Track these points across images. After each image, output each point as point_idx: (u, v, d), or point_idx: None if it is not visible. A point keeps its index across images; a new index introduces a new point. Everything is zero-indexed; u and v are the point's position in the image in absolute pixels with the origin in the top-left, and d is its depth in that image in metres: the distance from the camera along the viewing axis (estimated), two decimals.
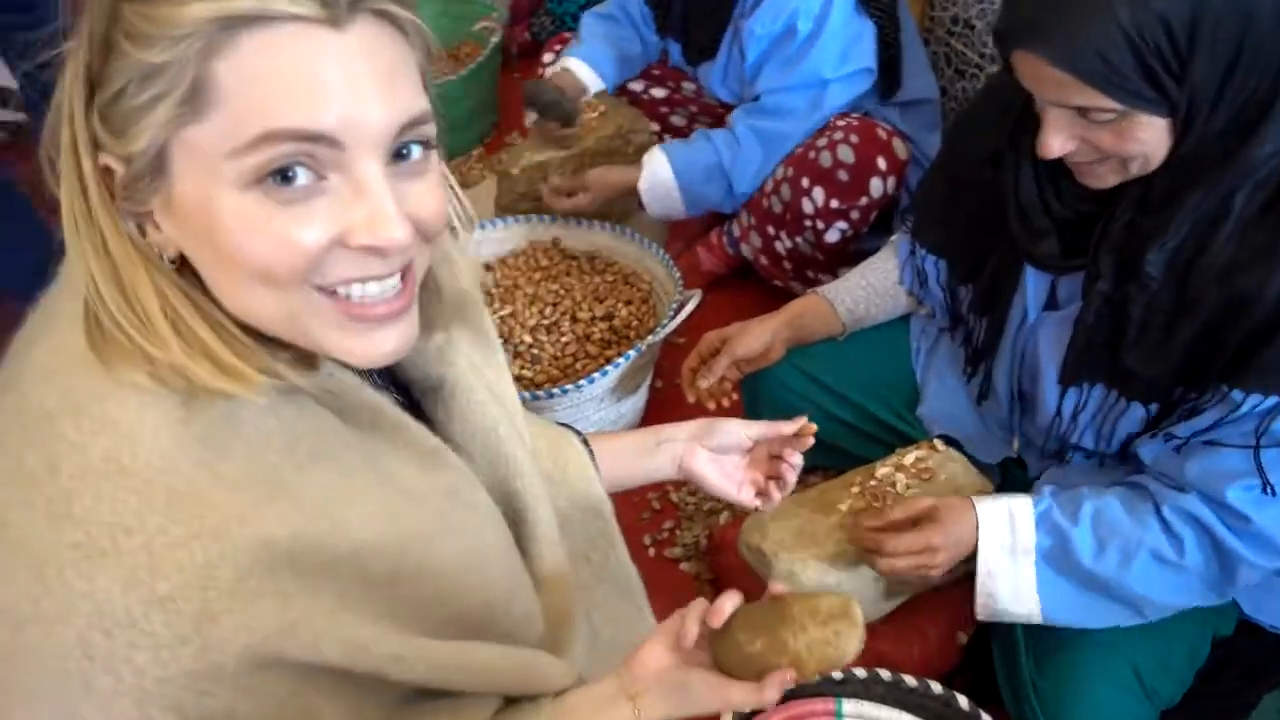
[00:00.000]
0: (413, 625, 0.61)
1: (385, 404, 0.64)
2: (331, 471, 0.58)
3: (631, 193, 1.72)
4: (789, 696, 1.05)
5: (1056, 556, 1.01)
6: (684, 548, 1.52)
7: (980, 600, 1.05)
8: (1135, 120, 0.85)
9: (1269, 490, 0.92)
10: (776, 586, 0.76)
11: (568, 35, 2.02)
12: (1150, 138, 0.86)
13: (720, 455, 0.99)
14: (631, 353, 1.47)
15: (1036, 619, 1.03)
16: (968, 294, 1.19)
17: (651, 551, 1.53)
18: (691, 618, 0.73)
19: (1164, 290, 0.93)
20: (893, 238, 1.35)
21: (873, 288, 1.32)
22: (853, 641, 0.71)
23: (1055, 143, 0.89)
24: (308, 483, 0.56)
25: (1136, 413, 1.02)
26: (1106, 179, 0.93)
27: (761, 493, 1.00)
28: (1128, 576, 0.98)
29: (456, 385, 0.75)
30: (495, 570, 0.70)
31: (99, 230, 0.54)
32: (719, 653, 0.74)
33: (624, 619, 0.99)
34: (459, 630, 0.65)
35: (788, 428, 0.98)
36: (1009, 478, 1.24)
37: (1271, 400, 0.90)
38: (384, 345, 0.58)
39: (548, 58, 1.99)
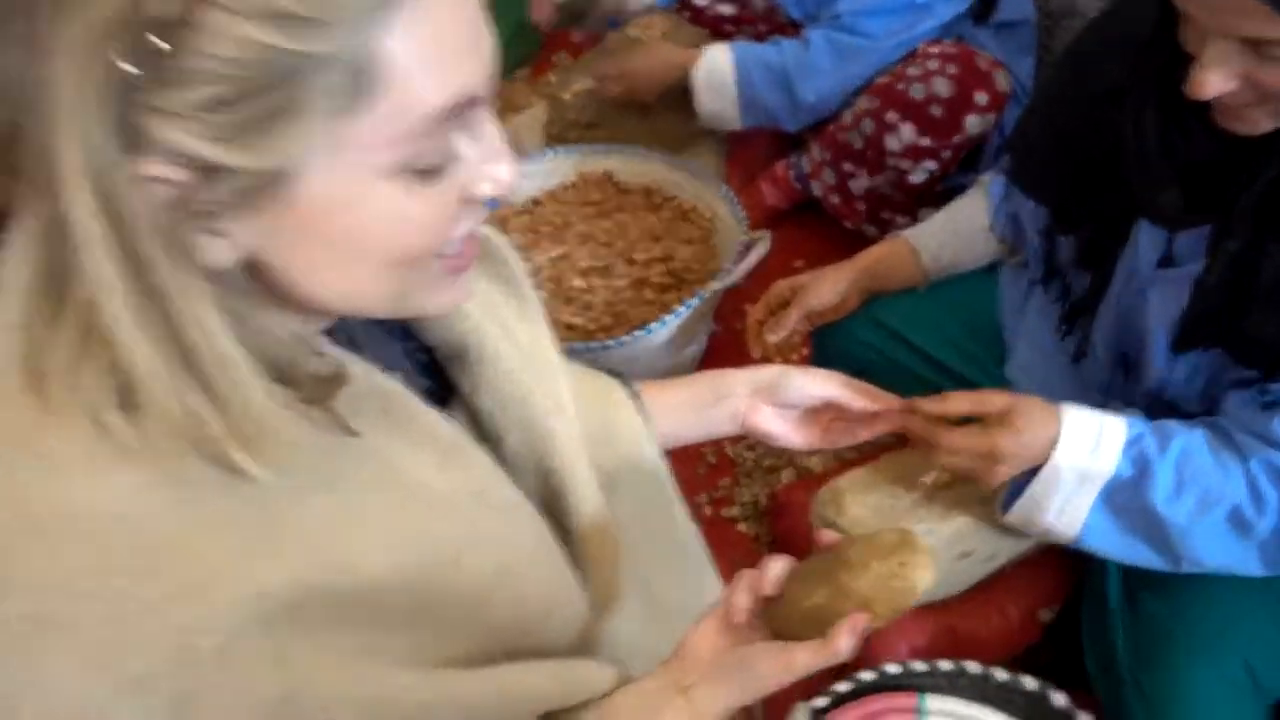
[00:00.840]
0: (437, 659, 0.53)
1: (398, 391, 0.55)
2: (334, 496, 0.49)
3: (682, 79, 1.60)
4: (867, 691, 0.96)
5: (1125, 489, 0.90)
6: (742, 507, 1.44)
7: (1021, 502, 0.93)
8: None
9: None
10: (826, 535, 0.69)
11: None
12: None
13: (786, 409, 0.89)
14: (694, 300, 1.37)
15: (1065, 540, 0.94)
16: (1069, 245, 1.07)
17: (708, 510, 1.44)
18: (741, 591, 0.64)
19: None
20: (983, 176, 1.23)
21: (960, 232, 1.21)
22: (921, 570, 0.63)
23: (1214, 80, 0.75)
24: (305, 515, 0.47)
25: (1249, 378, 0.91)
26: (1260, 124, 0.79)
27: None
28: (1196, 528, 0.88)
29: (483, 350, 0.65)
30: (530, 583, 0.61)
31: (136, 264, 0.42)
32: (777, 622, 0.66)
33: (689, 584, 0.91)
34: (489, 650, 0.57)
35: (868, 403, 0.87)
36: None
37: None
38: (471, 284, 0.56)
39: None
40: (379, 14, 0.42)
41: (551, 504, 0.70)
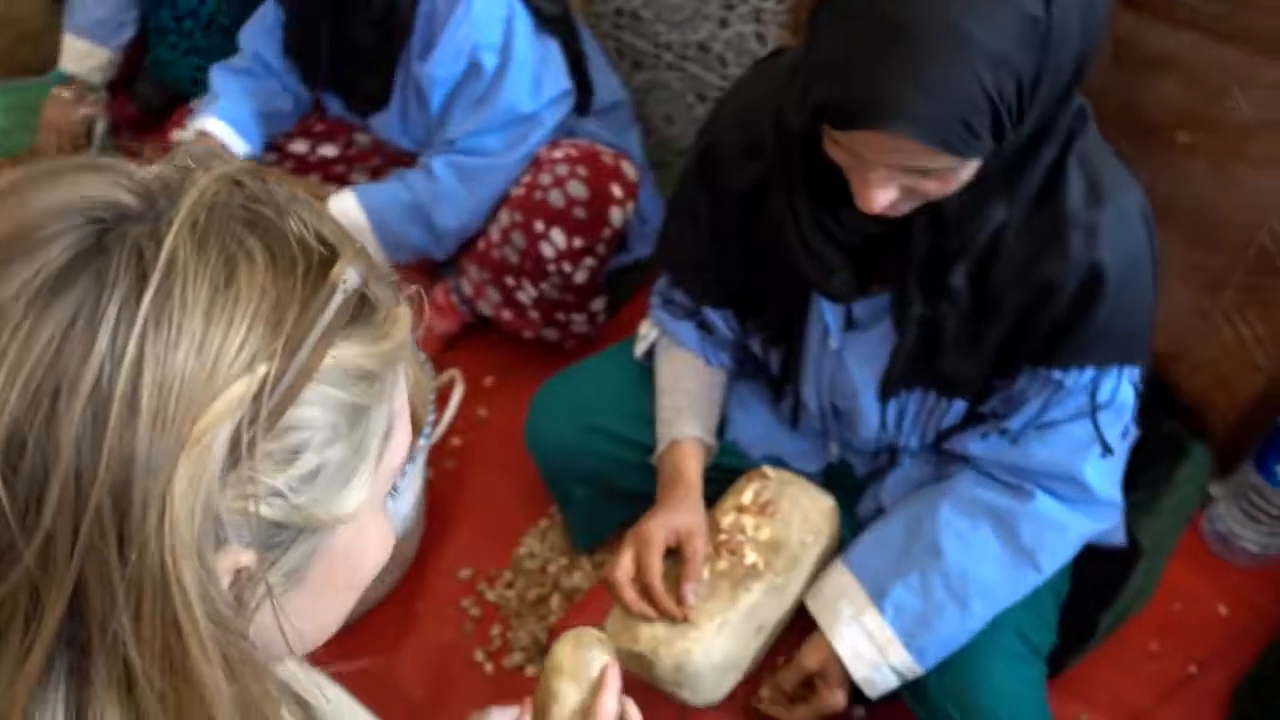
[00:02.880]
0: None
1: None
2: None
3: None
4: None
5: (915, 628, 1.02)
6: (523, 651, 1.38)
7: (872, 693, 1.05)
8: (966, 167, 0.82)
9: (1108, 451, 0.96)
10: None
11: (189, 103, 1.71)
12: (969, 175, 0.84)
13: None
14: (409, 468, 1.28)
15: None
16: (756, 330, 1.14)
17: (489, 667, 1.37)
18: None
19: (968, 299, 0.94)
20: (650, 335, 1.23)
21: (698, 393, 1.18)
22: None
23: (881, 199, 0.84)
24: None
25: (957, 407, 1.04)
26: (902, 210, 0.89)
27: None
28: (999, 598, 1.02)
29: None
30: None
31: (223, 680, 0.42)
32: None
33: None
34: None
35: None
36: (835, 480, 1.22)
37: (1090, 371, 0.94)
38: None
39: (177, 133, 1.68)
40: (404, 361, 0.47)
41: None
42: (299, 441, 0.42)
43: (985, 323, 0.94)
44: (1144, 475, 1.32)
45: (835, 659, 1.01)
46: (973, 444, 1.02)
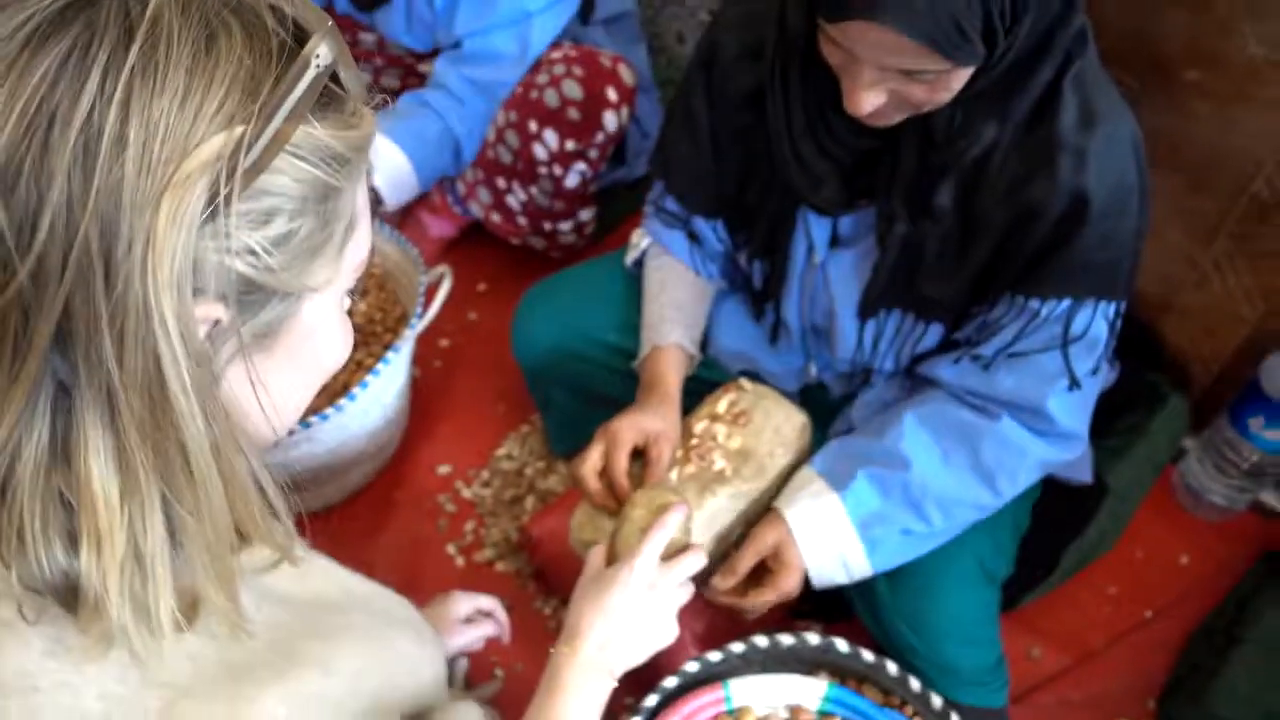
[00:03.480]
0: None
1: None
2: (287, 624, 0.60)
3: None
4: (675, 696, 0.99)
5: (879, 525, 1.02)
6: (494, 547, 1.41)
7: (817, 583, 1.05)
8: (955, 74, 0.81)
9: (1075, 385, 0.96)
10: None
11: None
12: (958, 85, 0.83)
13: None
14: (390, 355, 1.30)
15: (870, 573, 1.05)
16: (744, 242, 1.14)
17: (460, 561, 1.40)
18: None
19: (953, 219, 0.93)
20: (641, 244, 1.23)
21: (685, 304, 1.19)
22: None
23: (869, 101, 0.83)
24: (268, 630, 0.56)
25: (934, 332, 1.04)
26: (893, 119, 0.89)
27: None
28: (954, 519, 1.02)
29: None
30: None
31: (199, 416, 0.46)
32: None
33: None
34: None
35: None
36: (811, 402, 1.23)
37: (1066, 302, 0.94)
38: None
39: None
40: (364, 169, 0.51)
41: None
42: (271, 206, 0.46)
43: (967, 244, 0.94)
44: (1120, 422, 1.33)
45: (790, 538, 1.01)
46: (944, 369, 1.03)
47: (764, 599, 1.02)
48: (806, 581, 1.04)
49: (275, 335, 0.51)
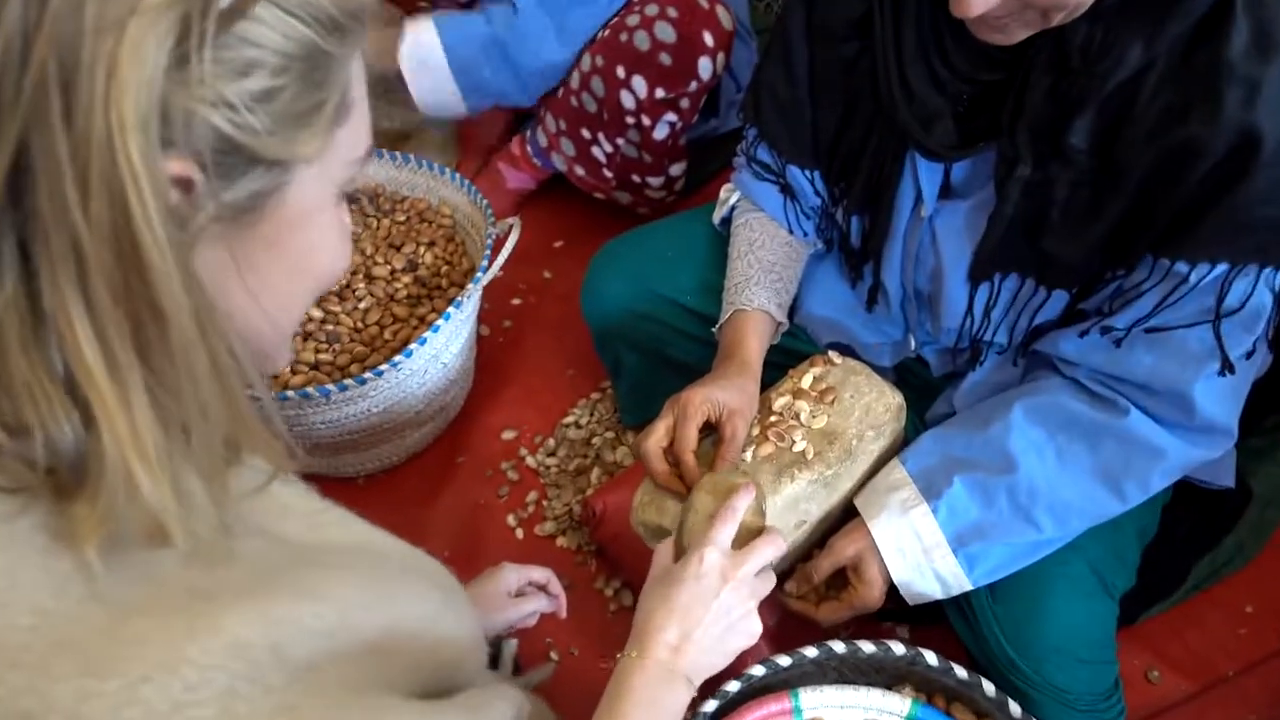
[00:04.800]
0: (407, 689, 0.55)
1: None
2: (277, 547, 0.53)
3: (388, 65, 1.40)
4: (737, 703, 0.88)
5: (969, 535, 0.90)
6: (556, 520, 1.32)
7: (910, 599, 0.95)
8: None
9: (1227, 369, 0.81)
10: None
11: None
12: None
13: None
14: (451, 310, 1.21)
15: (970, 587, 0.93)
16: (842, 194, 1.01)
17: (520, 532, 1.32)
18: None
19: (1088, 162, 0.80)
20: (730, 199, 1.12)
21: (775, 265, 1.07)
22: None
23: (981, 1, 0.70)
24: (251, 561, 0.50)
25: (1057, 299, 0.90)
26: (1016, 33, 0.75)
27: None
28: (1069, 526, 0.90)
29: None
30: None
31: (175, 278, 0.42)
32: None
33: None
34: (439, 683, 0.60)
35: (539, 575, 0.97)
36: (909, 380, 1.10)
37: (1222, 267, 0.79)
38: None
39: None
40: (361, 43, 0.48)
41: None
42: (252, 57, 0.42)
43: (1103, 193, 0.80)
44: (1269, 419, 1.17)
45: (874, 551, 0.91)
46: (1068, 343, 0.89)
47: (839, 615, 0.92)
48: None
49: (258, 213, 0.46)
